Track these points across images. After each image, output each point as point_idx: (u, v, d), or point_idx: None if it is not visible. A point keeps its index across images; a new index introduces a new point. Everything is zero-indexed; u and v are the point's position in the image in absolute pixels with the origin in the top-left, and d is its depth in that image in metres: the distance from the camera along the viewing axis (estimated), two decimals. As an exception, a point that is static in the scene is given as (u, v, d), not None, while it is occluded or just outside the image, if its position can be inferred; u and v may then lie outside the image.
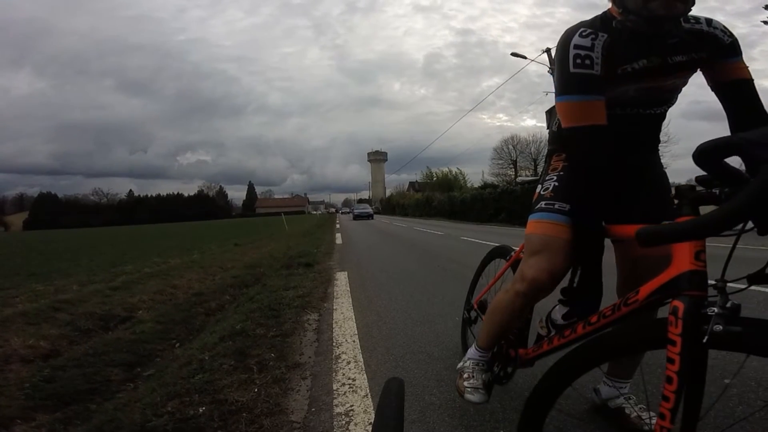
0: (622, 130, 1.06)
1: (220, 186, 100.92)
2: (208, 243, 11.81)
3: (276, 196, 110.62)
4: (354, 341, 2.24)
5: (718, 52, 0.98)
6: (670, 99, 1.06)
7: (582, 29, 0.96)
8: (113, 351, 2.47)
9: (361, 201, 52.79)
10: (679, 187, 0.71)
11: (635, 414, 1.25)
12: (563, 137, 1.07)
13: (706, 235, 0.61)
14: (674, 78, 1.00)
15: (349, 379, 1.74)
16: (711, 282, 0.65)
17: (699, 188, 0.69)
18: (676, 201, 0.72)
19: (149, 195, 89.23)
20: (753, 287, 0.64)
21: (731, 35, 0.97)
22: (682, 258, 0.68)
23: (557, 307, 1.04)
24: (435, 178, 46.79)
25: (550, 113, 1.30)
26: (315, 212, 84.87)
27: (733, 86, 0.99)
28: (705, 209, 0.65)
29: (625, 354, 1.09)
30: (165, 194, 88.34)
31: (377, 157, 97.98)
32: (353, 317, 2.72)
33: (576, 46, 0.94)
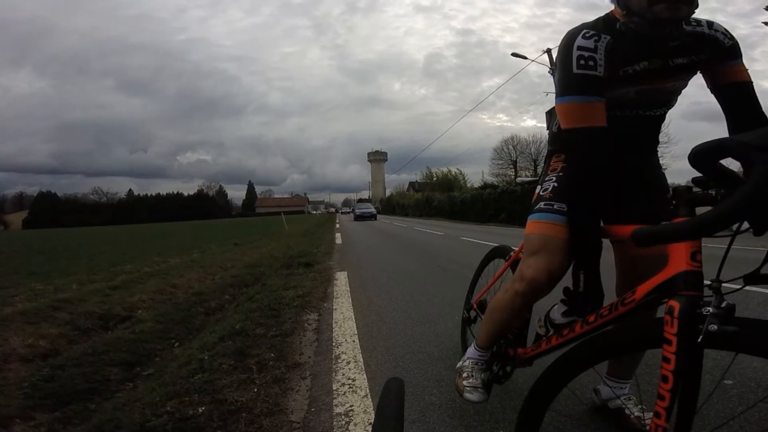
0: (622, 131, 1.06)
1: (220, 185, 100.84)
2: (208, 242, 11.80)
3: (276, 196, 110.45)
4: (354, 341, 2.24)
5: (718, 55, 0.98)
6: (670, 101, 1.07)
7: (585, 31, 0.96)
8: (112, 350, 2.47)
9: (361, 200, 52.50)
10: (676, 188, 0.72)
11: (635, 414, 1.25)
12: (563, 138, 1.08)
13: (701, 236, 0.61)
14: (675, 80, 1.01)
15: (348, 379, 1.75)
16: (707, 282, 0.66)
17: (696, 189, 0.69)
18: (673, 202, 0.72)
19: (149, 194, 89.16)
20: (753, 288, 0.65)
21: (732, 38, 0.98)
22: (678, 258, 0.69)
23: (556, 306, 1.04)
24: (435, 178, 46.79)
25: (551, 114, 1.30)
26: (315, 212, 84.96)
27: (732, 88, 1.00)
28: (703, 210, 0.65)
29: (621, 353, 1.09)
30: (165, 194, 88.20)
31: (377, 157, 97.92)
32: (353, 317, 2.72)
33: (579, 48, 0.94)
